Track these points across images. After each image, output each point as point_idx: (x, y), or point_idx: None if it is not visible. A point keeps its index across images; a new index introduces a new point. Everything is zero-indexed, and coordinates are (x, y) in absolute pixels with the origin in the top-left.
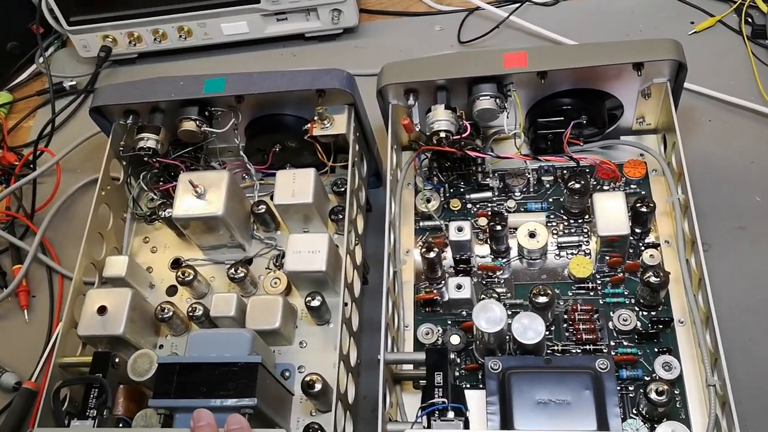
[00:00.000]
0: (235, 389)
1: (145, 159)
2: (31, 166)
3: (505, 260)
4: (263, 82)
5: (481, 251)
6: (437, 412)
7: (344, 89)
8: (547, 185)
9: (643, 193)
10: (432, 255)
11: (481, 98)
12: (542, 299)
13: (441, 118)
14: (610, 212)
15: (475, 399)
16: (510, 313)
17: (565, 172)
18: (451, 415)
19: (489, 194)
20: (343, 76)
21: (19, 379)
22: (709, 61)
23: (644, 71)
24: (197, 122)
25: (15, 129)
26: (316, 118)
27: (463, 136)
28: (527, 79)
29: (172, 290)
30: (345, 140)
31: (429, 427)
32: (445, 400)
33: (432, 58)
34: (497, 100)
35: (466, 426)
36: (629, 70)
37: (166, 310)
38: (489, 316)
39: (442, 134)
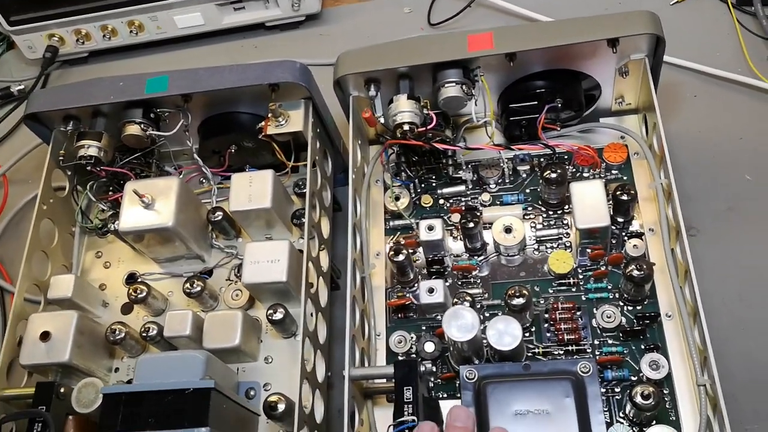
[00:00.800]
0: (186, 418)
1: (88, 168)
2: None
3: (481, 258)
4: (210, 78)
5: (457, 249)
6: (407, 431)
7: (298, 82)
8: (524, 175)
9: (624, 179)
10: (401, 258)
11: (446, 85)
12: (518, 301)
13: (404, 110)
14: (589, 202)
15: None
16: (487, 315)
17: (542, 160)
18: None
19: (462, 188)
20: (297, 68)
21: None
22: (692, 33)
23: (620, 47)
24: (142, 125)
25: None
26: (269, 115)
27: (429, 127)
28: (495, 62)
29: (127, 308)
30: (304, 137)
31: None
32: (416, 418)
33: (392, 43)
34: (464, 87)
35: None
36: (604, 47)
37: (117, 332)
38: (460, 324)
39: (406, 127)
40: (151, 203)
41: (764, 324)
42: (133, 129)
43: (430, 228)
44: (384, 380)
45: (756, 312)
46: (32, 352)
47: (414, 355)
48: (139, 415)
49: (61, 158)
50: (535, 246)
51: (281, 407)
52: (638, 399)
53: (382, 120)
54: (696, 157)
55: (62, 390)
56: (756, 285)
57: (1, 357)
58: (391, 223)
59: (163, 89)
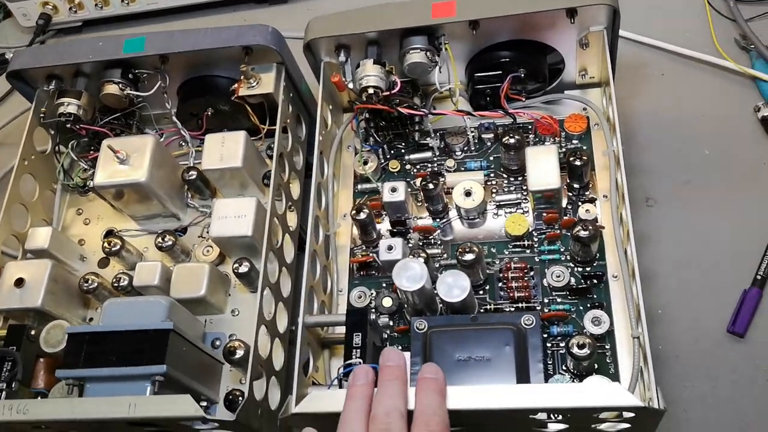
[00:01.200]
0: (145, 356)
1: (68, 126)
2: None
3: (444, 221)
4: (185, 40)
5: (423, 214)
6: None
7: (269, 46)
8: (489, 144)
9: (584, 148)
10: (362, 216)
11: (410, 51)
12: (468, 257)
13: (369, 74)
14: (542, 166)
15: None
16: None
17: (506, 128)
18: None
19: (429, 154)
20: (268, 32)
21: None
22: (665, 13)
23: (578, 18)
24: (120, 85)
25: None
26: (241, 77)
27: (393, 92)
28: (460, 30)
29: (104, 262)
30: (275, 100)
31: (342, 387)
32: (362, 360)
33: (361, 9)
34: (428, 54)
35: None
36: (563, 18)
37: (90, 282)
38: (409, 275)
39: (371, 90)
40: (125, 159)
41: (711, 288)
42: (111, 88)
43: (393, 190)
44: (343, 333)
45: (704, 277)
46: (7, 298)
47: (373, 310)
48: (102, 353)
49: (42, 116)
50: (495, 211)
51: (240, 353)
52: (575, 349)
53: (350, 85)
54: (659, 132)
55: (33, 332)
56: (707, 252)
57: None
58: (359, 187)
59: (139, 49)
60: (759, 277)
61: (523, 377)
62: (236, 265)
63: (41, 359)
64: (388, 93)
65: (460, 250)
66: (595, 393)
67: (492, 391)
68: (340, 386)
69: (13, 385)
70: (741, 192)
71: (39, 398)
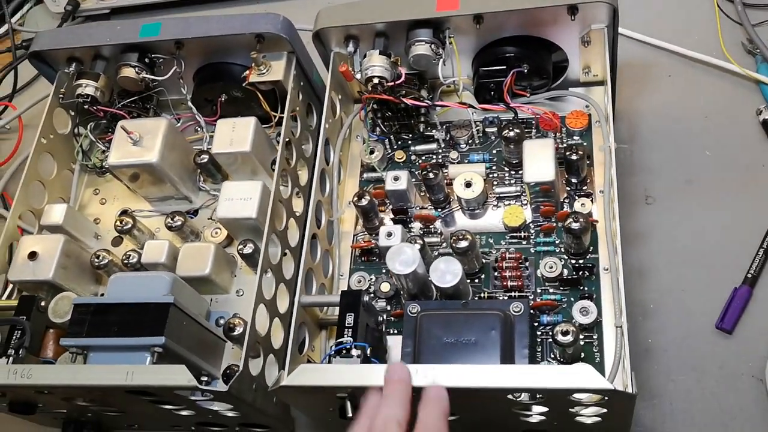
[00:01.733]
0: (146, 328)
1: (86, 107)
2: None
3: (445, 211)
4: (199, 26)
5: (426, 204)
6: (344, 351)
7: (280, 34)
8: (492, 137)
9: (584, 144)
10: (364, 202)
11: (416, 44)
12: (462, 244)
13: (375, 64)
14: (538, 159)
15: (399, 343)
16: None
17: (509, 123)
18: (355, 353)
19: (434, 146)
20: (279, 21)
21: None
22: (674, 15)
23: (579, 16)
24: (136, 69)
25: None
26: (252, 64)
27: (397, 82)
28: (465, 24)
29: (117, 241)
30: (284, 88)
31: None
32: (352, 339)
33: (370, 0)
34: (433, 46)
35: (366, 362)
36: (564, 15)
37: (101, 258)
38: (402, 259)
39: (376, 80)
40: (138, 140)
41: (703, 285)
42: (127, 71)
43: (396, 178)
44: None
45: (697, 274)
46: (20, 270)
47: (372, 294)
48: (105, 324)
49: (61, 96)
50: (495, 202)
51: (239, 329)
52: (559, 336)
53: (358, 76)
54: (662, 132)
55: (42, 304)
56: (701, 251)
57: None
58: (366, 176)
59: (155, 34)
60: (750, 276)
61: (507, 361)
62: (241, 246)
63: (50, 330)
64: (392, 83)
65: (453, 237)
66: (570, 375)
67: (472, 371)
68: (329, 362)
69: (20, 352)
70: (738, 193)
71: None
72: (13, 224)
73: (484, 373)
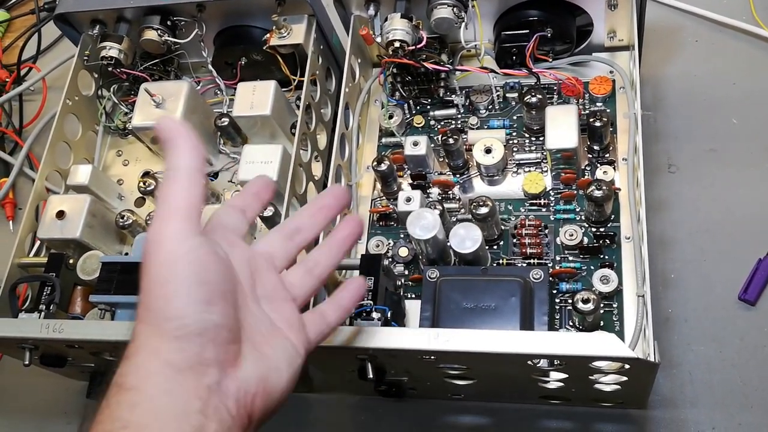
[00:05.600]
0: None
1: (109, 69)
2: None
3: (464, 177)
4: None
5: (444, 170)
6: (364, 314)
7: None
8: (513, 103)
9: (608, 111)
10: (383, 167)
11: (438, 7)
12: (482, 210)
13: (396, 27)
14: (561, 126)
15: (416, 307)
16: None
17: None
18: (376, 315)
19: (453, 111)
20: None
21: None
22: None
23: None
24: (159, 32)
25: (10, 47)
26: (273, 27)
27: (419, 46)
28: None
29: (140, 202)
30: (305, 52)
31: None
32: (372, 302)
33: None
34: (455, 9)
35: (386, 325)
36: None
37: (125, 218)
38: (423, 224)
39: (397, 44)
40: (161, 103)
41: (726, 256)
42: (150, 34)
43: (415, 143)
44: None
45: (720, 244)
46: (49, 228)
47: (390, 259)
48: (132, 282)
49: (85, 58)
50: (515, 169)
51: None
52: (579, 304)
53: (378, 39)
54: (688, 98)
55: (71, 261)
56: (724, 221)
57: (21, 230)
58: (384, 140)
59: None
60: None
61: (526, 328)
62: None
63: (78, 287)
64: (413, 47)
65: (474, 203)
66: (591, 343)
67: (494, 335)
68: (350, 324)
69: (51, 308)
70: (765, 163)
71: None
72: (41, 184)
73: (507, 338)
